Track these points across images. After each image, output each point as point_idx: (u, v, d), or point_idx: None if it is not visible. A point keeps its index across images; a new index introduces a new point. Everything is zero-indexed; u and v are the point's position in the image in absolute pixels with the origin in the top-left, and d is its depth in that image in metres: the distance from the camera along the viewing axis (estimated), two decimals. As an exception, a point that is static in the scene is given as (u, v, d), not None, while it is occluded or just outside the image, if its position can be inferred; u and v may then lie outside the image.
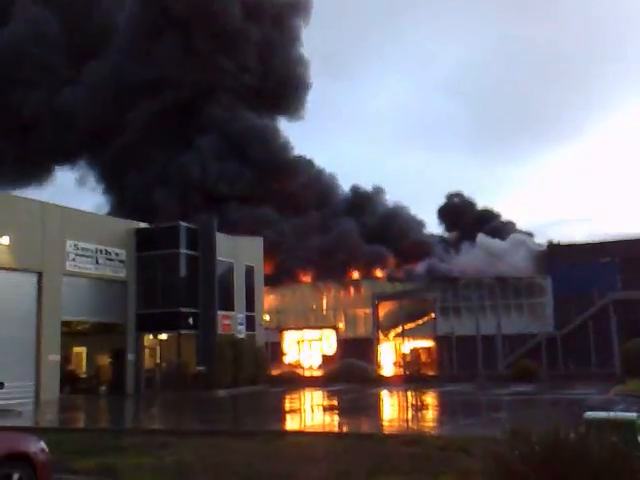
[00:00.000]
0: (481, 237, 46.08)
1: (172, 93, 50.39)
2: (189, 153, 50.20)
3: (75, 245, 27.96)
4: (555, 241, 44.24)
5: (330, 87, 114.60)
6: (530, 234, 51.86)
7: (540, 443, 6.07)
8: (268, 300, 42.15)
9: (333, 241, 47.32)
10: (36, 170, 56.50)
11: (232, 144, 50.23)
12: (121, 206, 52.01)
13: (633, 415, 7.15)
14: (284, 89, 55.76)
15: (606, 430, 6.19)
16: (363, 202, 53.75)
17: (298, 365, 42.24)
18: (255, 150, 50.43)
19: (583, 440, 5.97)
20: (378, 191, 56.07)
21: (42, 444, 7.47)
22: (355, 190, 55.79)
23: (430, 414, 19.89)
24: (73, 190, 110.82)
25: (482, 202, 72.87)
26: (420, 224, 54.99)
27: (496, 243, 46.62)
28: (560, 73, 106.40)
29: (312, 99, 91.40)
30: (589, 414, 6.94)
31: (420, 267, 46.21)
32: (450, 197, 60.38)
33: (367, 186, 56.89)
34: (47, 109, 50.54)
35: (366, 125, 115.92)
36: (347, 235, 47.78)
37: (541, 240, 48.71)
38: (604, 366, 32.35)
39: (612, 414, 7.26)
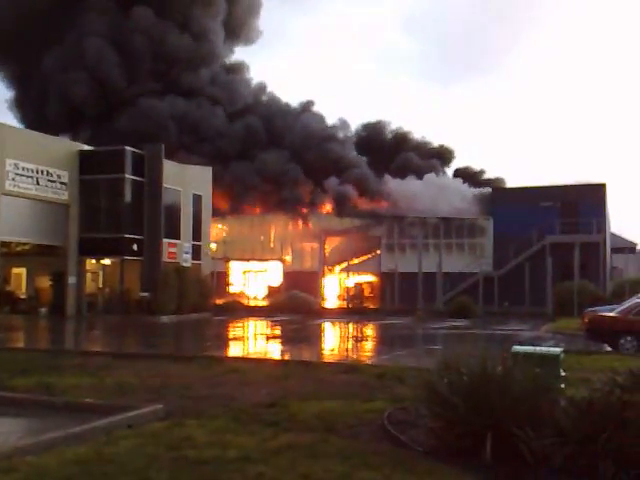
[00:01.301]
0: (429, 175, 46.32)
1: None
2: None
3: (15, 165, 26.99)
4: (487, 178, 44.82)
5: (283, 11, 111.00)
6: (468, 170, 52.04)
7: (469, 374, 6.37)
8: (216, 230, 41.97)
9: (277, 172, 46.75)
10: None
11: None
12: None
13: (557, 350, 7.55)
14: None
15: (531, 363, 6.54)
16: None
17: (243, 295, 42.61)
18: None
19: (508, 372, 6.30)
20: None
21: (-22, 362, 7.40)
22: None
23: (369, 345, 20.53)
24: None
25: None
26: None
27: (442, 181, 47.04)
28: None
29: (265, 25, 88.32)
30: (516, 348, 7.28)
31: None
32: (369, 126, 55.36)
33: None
34: None
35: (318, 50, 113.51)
36: (292, 170, 47.17)
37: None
38: (538, 305, 33.80)
39: (538, 349, 7.65)
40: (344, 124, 54.13)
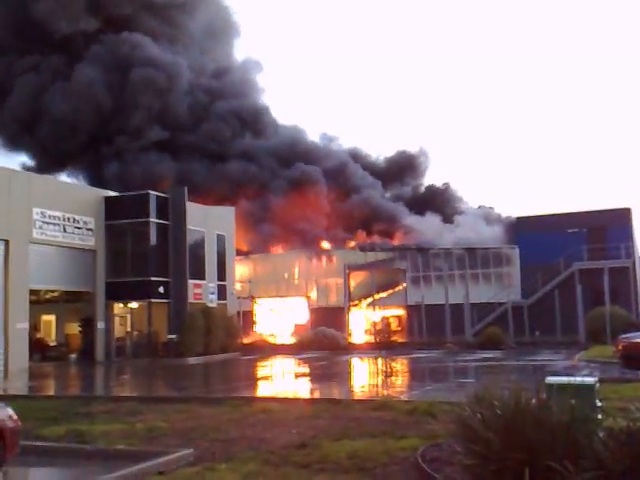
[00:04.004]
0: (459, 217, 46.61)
1: None
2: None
3: (42, 213, 27.52)
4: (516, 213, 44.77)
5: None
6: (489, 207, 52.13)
7: (502, 407, 6.24)
8: (240, 269, 42.16)
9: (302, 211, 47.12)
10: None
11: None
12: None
13: (592, 379, 7.38)
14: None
15: (566, 394, 6.39)
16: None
17: (270, 334, 42.49)
18: None
19: (543, 404, 6.15)
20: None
21: (10, 411, 7.45)
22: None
23: (399, 380, 20.26)
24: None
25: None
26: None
27: (468, 215, 47.13)
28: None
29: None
30: (550, 379, 7.14)
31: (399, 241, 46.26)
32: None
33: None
34: None
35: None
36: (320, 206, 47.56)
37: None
38: (569, 334, 33.15)
39: (572, 379, 7.48)
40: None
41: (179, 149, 50.07)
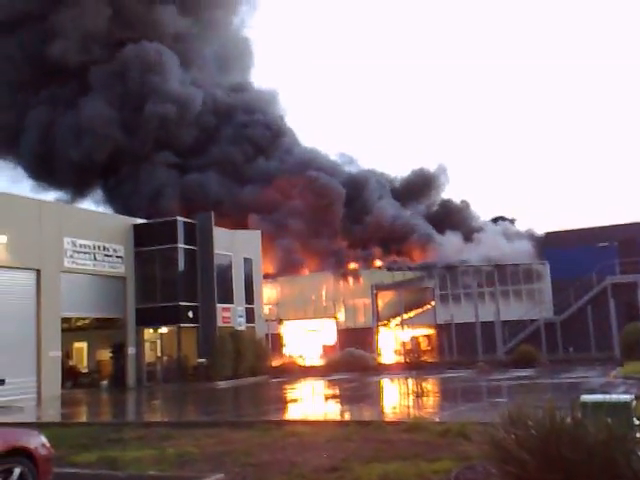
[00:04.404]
0: (487, 229, 46.27)
1: None
2: None
3: (73, 242, 28.00)
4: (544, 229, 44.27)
5: None
6: (509, 220, 51.55)
7: (537, 427, 6.12)
8: (267, 292, 42.23)
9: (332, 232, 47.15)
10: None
11: None
12: None
13: (628, 397, 7.20)
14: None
15: (602, 413, 6.24)
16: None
17: (298, 356, 42.37)
18: None
19: (578, 423, 6.02)
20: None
21: (43, 438, 7.51)
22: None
23: (430, 400, 19.98)
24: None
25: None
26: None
27: (508, 230, 46.81)
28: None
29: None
30: (585, 397, 6.98)
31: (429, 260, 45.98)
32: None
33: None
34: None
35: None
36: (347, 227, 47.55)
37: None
38: (603, 350, 32.46)
39: (607, 397, 7.30)
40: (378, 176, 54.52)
41: (190, 170, 50.58)
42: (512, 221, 51.84)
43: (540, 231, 44.67)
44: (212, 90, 53.08)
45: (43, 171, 52.35)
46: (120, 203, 48.98)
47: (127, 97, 49.08)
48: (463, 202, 54.06)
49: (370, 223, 48.35)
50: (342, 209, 48.44)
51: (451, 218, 49.89)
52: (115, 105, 49.05)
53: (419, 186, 54.76)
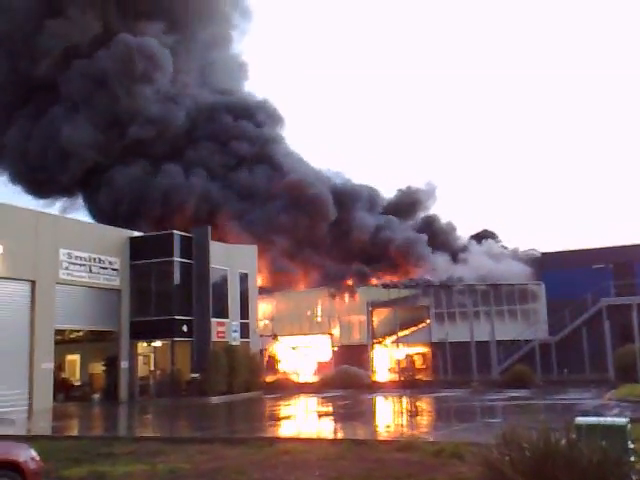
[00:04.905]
0: (476, 247, 46.16)
1: None
2: None
3: (68, 254, 27.93)
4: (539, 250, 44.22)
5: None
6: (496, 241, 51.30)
7: (531, 449, 6.09)
8: (262, 307, 42.10)
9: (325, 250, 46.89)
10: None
11: None
12: None
13: (623, 420, 7.17)
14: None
15: (596, 435, 6.22)
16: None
17: (293, 372, 42.17)
18: None
19: (573, 445, 5.99)
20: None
21: (32, 452, 7.45)
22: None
23: (424, 420, 19.88)
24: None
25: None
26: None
27: (492, 250, 46.70)
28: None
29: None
30: (580, 420, 6.95)
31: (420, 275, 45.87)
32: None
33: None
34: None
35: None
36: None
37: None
38: (598, 371, 32.39)
39: (602, 419, 7.28)
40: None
41: (170, 174, 50.21)
42: (494, 236, 51.47)
43: (536, 252, 44.62)
44: (201, 100, 52.79)
45: (29, 184, 52.64)
46: (98, 211, 49.20)
47: (107, 116, 48.95)
48: (449, 224, 53.69)
49: (362, 238, 48.09)
50: (332, 223, 48.18)
51: (435, 239, 49.67)
52: (95, 124, 48.97)
53: (406, 205, 54.56)
